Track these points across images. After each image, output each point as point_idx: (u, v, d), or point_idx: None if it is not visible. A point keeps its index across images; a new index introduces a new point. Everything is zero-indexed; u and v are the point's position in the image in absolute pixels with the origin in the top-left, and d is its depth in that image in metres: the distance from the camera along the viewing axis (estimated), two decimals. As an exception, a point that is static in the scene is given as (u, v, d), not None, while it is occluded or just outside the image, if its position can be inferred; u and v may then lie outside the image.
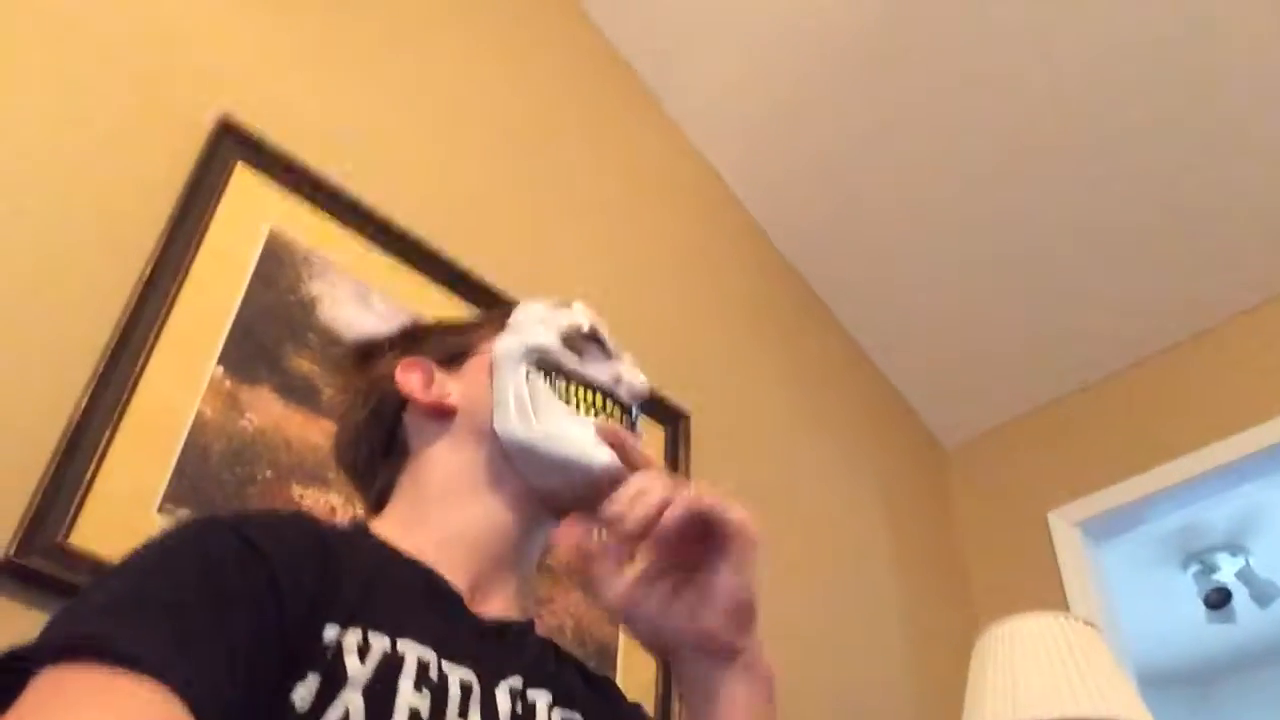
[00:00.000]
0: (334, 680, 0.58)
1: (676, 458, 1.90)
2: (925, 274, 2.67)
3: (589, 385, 0.84)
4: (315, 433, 1.33)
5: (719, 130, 2.52)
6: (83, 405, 1.14)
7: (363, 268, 1.52)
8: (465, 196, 1.81)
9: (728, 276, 2.46)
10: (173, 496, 1.16)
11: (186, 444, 1.20)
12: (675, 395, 1.96)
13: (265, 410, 1.29)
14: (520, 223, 1.91)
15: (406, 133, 1.77)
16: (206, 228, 1.35)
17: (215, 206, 1.37)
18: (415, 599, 0.70)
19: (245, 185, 1.42)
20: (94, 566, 1.05)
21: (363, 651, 0.61)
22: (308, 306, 1.42)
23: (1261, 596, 3.70)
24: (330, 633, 0.60)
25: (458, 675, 0.65)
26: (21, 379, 1.13)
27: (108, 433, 1.14)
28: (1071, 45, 2.20)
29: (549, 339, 0.84)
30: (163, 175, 1.35)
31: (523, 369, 0.82)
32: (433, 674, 0.64)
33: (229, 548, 0.59)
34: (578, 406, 0.82)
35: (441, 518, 0.79)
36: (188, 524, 0.63)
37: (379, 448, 0.87)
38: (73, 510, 1.09)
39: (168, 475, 1.17)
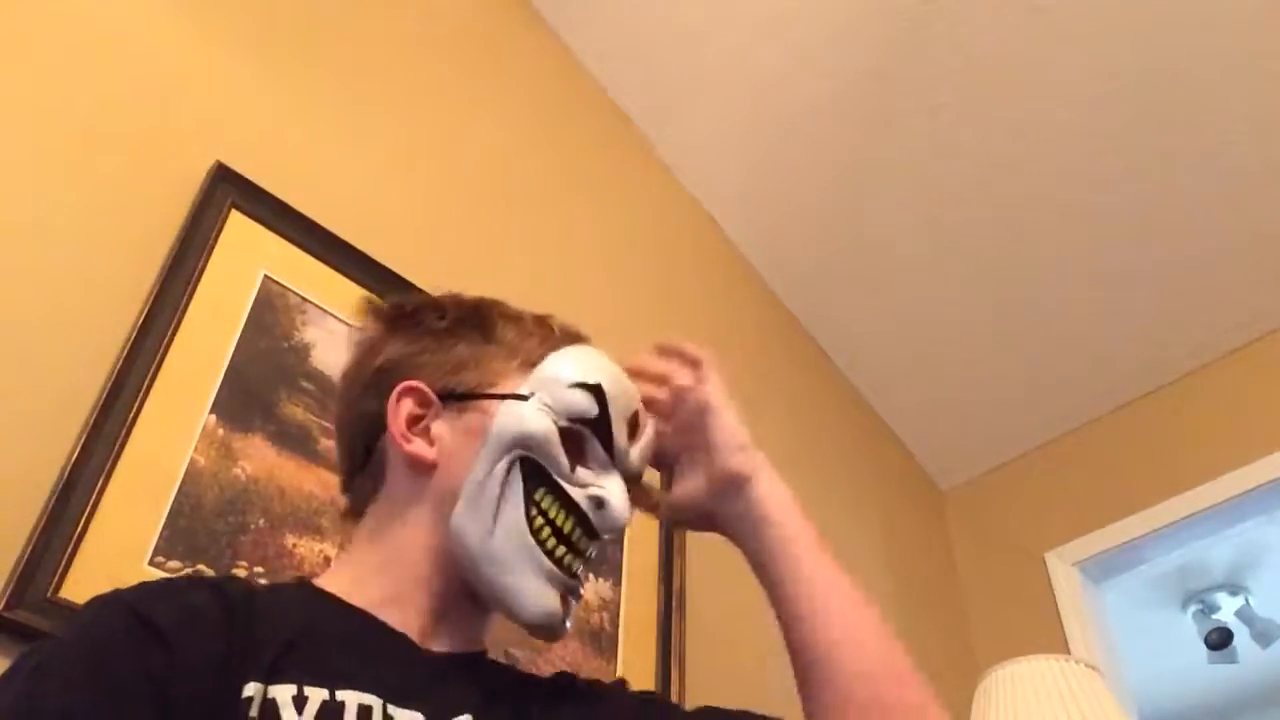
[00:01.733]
0: None
1: (672, 502, 1.88)
2: (921, 316, 2.68)
3: (567, 504, 0.78)
4: (309, 481, 1.31)
5: (714, 175, 2.54)
6: (74, 456, 1.13)
7: (353, 308, 1.52)
8: (459, 242, 1.82)
9: (723, 320, 2.46)
10: (164, 549, 1.15)
11: (179, 494, 1.19)
12: (671, 439, 1.95)
13: (258, 458, 1.28)
14: (514, 268, 1.91)
15: (400, 178, 1.78)
16: (201, 274, 1.35)
17: (209, 252, 1.37)
18: (357, 648, 0.70)
19: (240, 231, 1.42)
20: None
21: (299, 703, 0.61)
22: (301, 353, 1.42)
23: (1262, 636, 3.68)
24: (250, 690, 0.60)
25: (405, 718, 0.65)
26: (13, 429, 1.12)
27: (100, 483, 1.13)
28: (1061, 94, 2.22)
29: (547, 435, 0.77)
30: (157, 221, 1.35)
31: (506, 461, 0.77)
32: (376, 719, 0.64)
33: (119, 630, 0.60)
34: (543, 530, 0.76)
35: (389, 579, 0.77)
36: (85, 608, 0.64)
37: (359, 455, 0.83)
38: (63, 564, 1.07)
39: (159, 526, 1.16)
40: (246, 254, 1.42)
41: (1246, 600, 3.71)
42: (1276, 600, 3.72)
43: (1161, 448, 2.60)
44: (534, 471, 0.77)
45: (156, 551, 1.15)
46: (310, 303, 1.47)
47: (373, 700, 0.64)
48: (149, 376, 1.23)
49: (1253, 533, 2.94)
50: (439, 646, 0.76)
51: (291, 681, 0.62)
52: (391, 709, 0.65)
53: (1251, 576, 3.68)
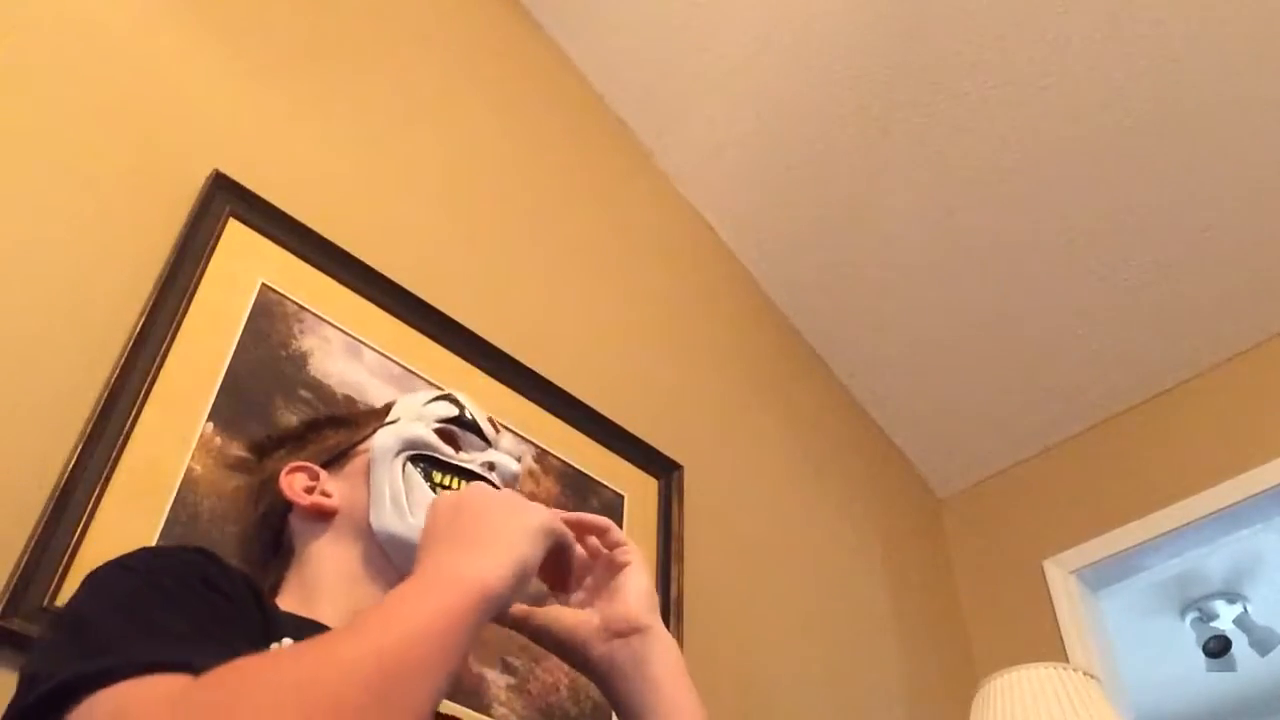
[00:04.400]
0: None
1: (670, 510, 1.88)
2: (920, 325, 2.68)
3: (462, 474, 0.90)
4: None
5: (713, 185, 2.54)
6: (71, 464, 1.13)
7: (354, 321, 1.52)
8: (457, 250, 1.82)
9: (721, 328, 2.46)
10: None
11: (176, 502, 1.19)
12: (668, 448, 1.95)
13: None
14: (512, 277, 1.91)
15: (399, 187, 1.78)
16: (198, 282, 1.35)
17: (207, 261, 1.37)
18: None
19: (237, 239, 1.43)
20: None
21: None
22: (299, 361, 1.42)
23: (1261, 644, 3.67)
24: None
25: None
26: (10, 436, 1.12)
27: (96, 492, 1.13)
28: (1061, 103, 2.23)
29: (423, 431, 0.90)
30: (155, 229, 1.36)
31: (398, 463, 0.88)
32: None
33: (206, 567, 0.69)
34: None
35: (330, 606, 0.83)
36: (148, 553, 0.71)
37: (269, 546, 0.92)
38: (59, 572, 1.07)
39: (156, 535, 1.16)
40: (244, 262, 1.42)
41: (1244, 608, 3.71)
42: (1274, 608, 3.72)
43: (1159, 455, 2.60)
44: (423, 459, 0.89)
45: None
46: (308, 311, 1.47)
47: None
48: (146, 384, 1.23)
49: (1251, 540, 2.93)
50: None
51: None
52: None
53: (1249, 584, 3.68)
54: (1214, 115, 2.19)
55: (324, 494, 0.90)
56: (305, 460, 0.93)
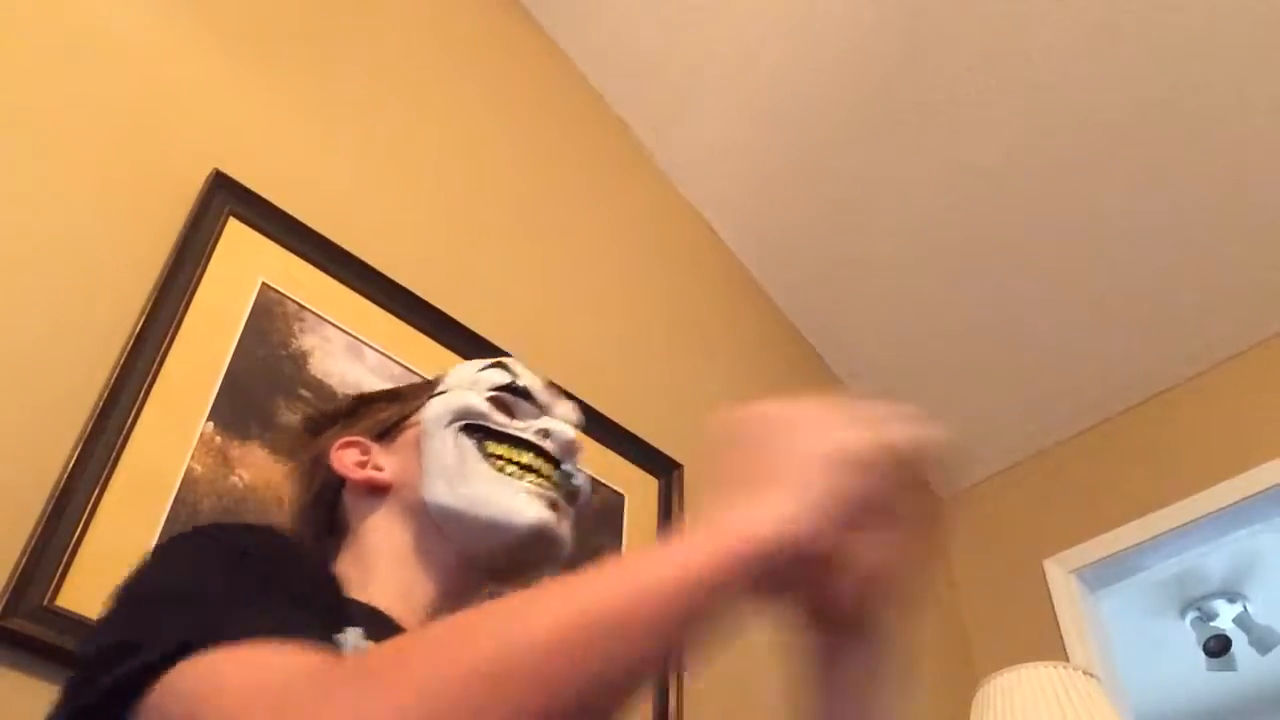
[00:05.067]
0: None
1: (670, 509, 1.88)
2: (920, 324, 2.68)
3: (516, 443, 0.86)
4: None
5: (713, 184, 2.54)
6: (71, 464, 1.13)
7: (355, 321, 1.52)
8: (457, 249, 1.82)
9: (722, 328, 2.46)
10: None
11: (176, 502, 1.19)
12: (668, 446, 1.95)
13: (256, 466, 1.28)
14: (514, 276, 1.91)
15: (399, 186, 1.78)
16: (199, 281, 1.35)
17: (208, 260, 1.37)
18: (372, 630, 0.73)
19: (238, 239, 1.43)
20: (80, 629, 1.03)
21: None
22: (299, 360, 1.41)
23: (1261, 643, 3.67)
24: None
25: None
26: (10, 437, 1.12)
27: (96, 491, 1.13)
28: (1059, 106, 2.23)
29: (476, 400, 0.87)
30: (155, 228, 1.36)
31: (450, 434, 0.85)
32: None
33: (279, 544, 0.66)
34: (506, 466, 0.84)
35: (381, 587, 0.80)
36: (218, 528, 0.66)
37: (323, 528, 0.90)
38: (59, 572, 1.07)
39: (156, 535, 1.16)
40: (245, 261, 1.42)
41: (1245, 607, 3.71)
42: (1274, 607, 3.72)
43: (1159, 455, 2.60)
44: (477, 430, 0.86)
45: None
46: (308, 310, 1.47)
47: None
48: (147, 384, 1.23)
49: (1250, 540, 2.94)
50: None
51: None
52: None
53: (1249, 584, 3.68)
54: (1214, 118, 2.19)
55: (376, 468, 0.87)
56: (357, 435, 0.90)
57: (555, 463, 0.87)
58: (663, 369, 2.16)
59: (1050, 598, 2.58)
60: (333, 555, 0.86)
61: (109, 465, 1.15)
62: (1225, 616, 3.73)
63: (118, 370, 1.21)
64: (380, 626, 0.72)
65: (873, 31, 2.21)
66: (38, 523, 1.08)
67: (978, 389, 2.77)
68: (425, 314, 1.63)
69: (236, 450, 1.27)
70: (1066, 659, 2.39)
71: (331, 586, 0.71)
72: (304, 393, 1.39)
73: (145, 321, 1.27)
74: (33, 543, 1.07)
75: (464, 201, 1.91)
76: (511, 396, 0.90)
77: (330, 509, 0.90)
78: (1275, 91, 2.13)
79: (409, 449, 0.87)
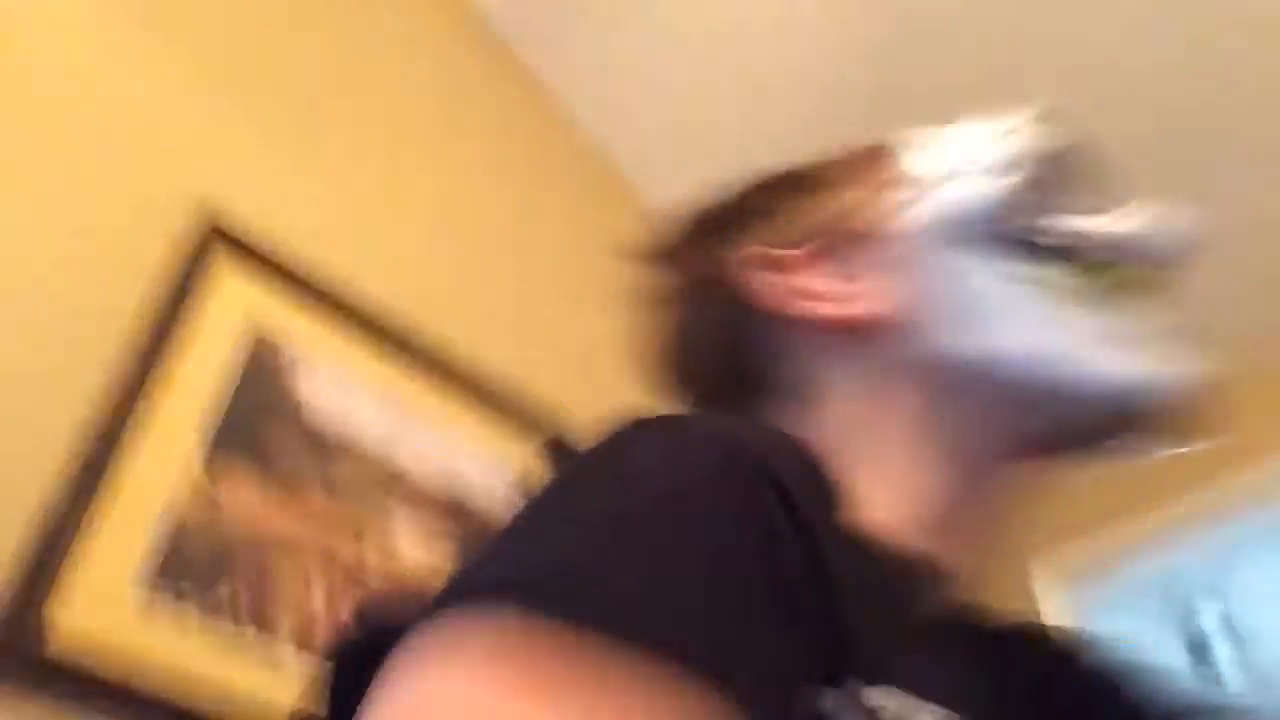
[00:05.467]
0: None
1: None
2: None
3: (1101, 255, 0.53)
4: (300, 531, 1.31)
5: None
6: (56, 505, 1.12)
7: (345, 361, 1.51)
8: (449, 288, 1.81)
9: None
10: (146, 600, 1.14)
11: (161, 544, 1.19)
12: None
13: (244, 507, 1.28)
14: (505, 313, 1.91)
15: (391, 229, 1.77)
16: (190, 322, 1.34)
17: (199, 301, 1.37)
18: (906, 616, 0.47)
19: (229, 280, 1.42)
20: (63, 671, 1.03)
21: None
22: (289, 401, 1.40)
23: (1242, 643, 3.70)
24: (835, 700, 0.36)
25: None
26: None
27: (81, 532, 1.13)
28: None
29: (1004, 189, 0.53)
30: (147, 270, 1.35)
31: (975, 249, 0.53)
32: None
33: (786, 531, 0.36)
34: (1093, 295, 0.52)
35: (886, 495, 0.50)
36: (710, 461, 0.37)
37: (735, 391, 0.59)
38: (41, 614, 1.07)
39: (139, 578, 1.16)
40: (235, 303, 1.41)
41: (1227, 607, 3.73)
42: (1256, 607, 3.74)
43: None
44: (1020, 243, 0.52)
45: (139, 604, 1.13)
46: (298, 351, 1.46)
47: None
48: (135, 430, 1.22)
49: (1234, 541, 2.96)
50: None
51: (884, 683, 0.38)
52: None
53: (1232, 584, 3.70)
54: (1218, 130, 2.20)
55: (849, 299, 0.55)
56: (781, 245, 0.58)
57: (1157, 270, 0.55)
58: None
59: (1036, 596, 2.60)
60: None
61: (94, 506, 1.15)
62: (1209, 616, 3.75)
63: (108, 412, 1.21)
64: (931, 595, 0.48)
65: (862, 75, 2.20)
66: (21, 563, 1.08)
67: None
68: (418, 355, 1.62)
69: (225, 492, 1.26)
70: (1051, 659, 2.40)
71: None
72: (292, 434, 1.38)
73: (136, 362, 1.26)
74: (16, 585, 1.06)
75: (458, 243, 1.90)
76: (1057, 176, 0.55)
77: (741, 368, 0.59)
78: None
79: (886, 269, 0.55)
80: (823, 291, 0.56)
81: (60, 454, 1.16)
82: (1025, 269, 0.52)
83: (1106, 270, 0.52)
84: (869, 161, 0.60)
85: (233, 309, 1.41)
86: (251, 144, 1.60)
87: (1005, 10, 2.11)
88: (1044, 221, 0.53)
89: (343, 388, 1.49)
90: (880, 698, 0.36)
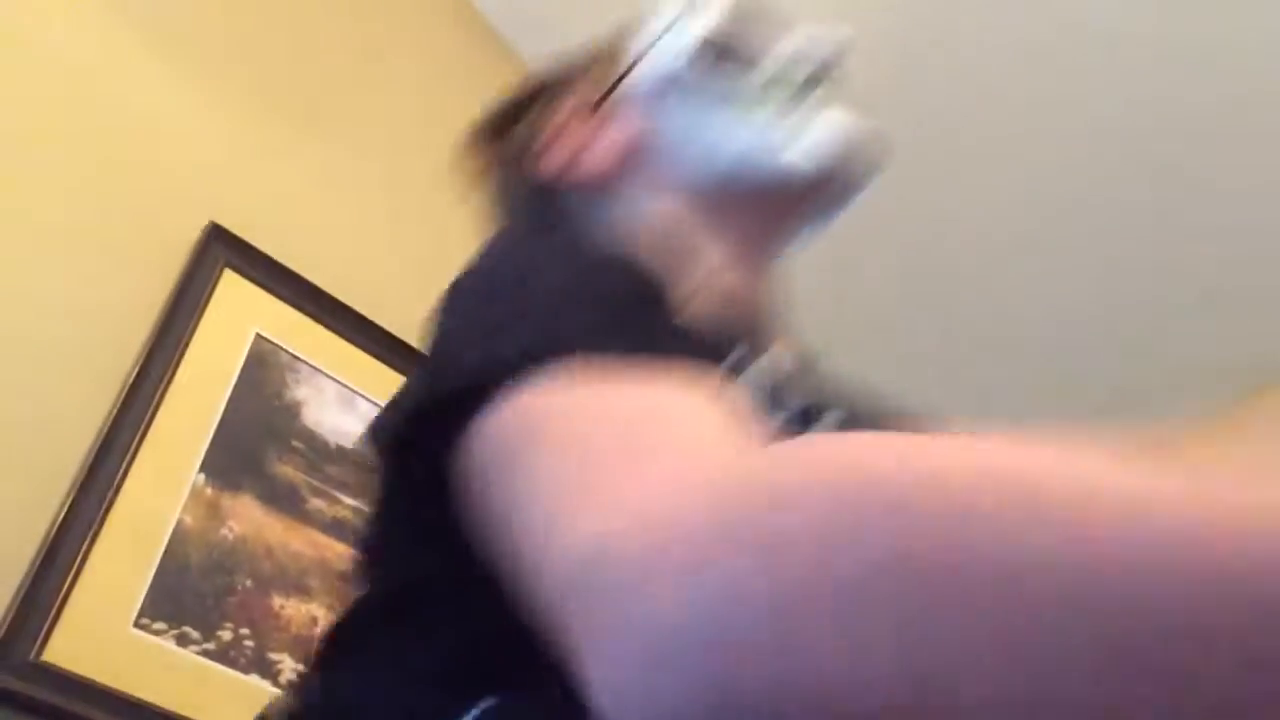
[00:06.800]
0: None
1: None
2: (912, 344, 2.68)
3: (777, 72, 0.68)
4: (297, 540, 1.31)
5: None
6: (61, 516, 1.12)
7: (349, 371, 1.52)
8: (452, 298, 1.82)
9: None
10: (150, 610, 1.15)
11: (165, 554, 1.19)
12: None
13: (247, 518, 1.28)
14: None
15: (394, 237, 1.78)
16: (193, 332, 1.35)
17: (202, 311, 1.37)
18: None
19: (233, 290, 1.43)
20: (67, 685, 1.03)
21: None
22: (292, 411, 1.42)
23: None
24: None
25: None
26: (1, 486, 1.12)
27: (86, 545, 1.12)
28: (1059, 127, 2.25)
29: (695, 41, 0.68)
30: (150, 279, 1.36)
31: (685, 89, 0.68)
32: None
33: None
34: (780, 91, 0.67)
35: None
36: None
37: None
38: (47, 626, 1.07)
39: (145, 588, 1.15)
40: (239, 312, 1.43)
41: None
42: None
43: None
44: (731, 63, 0.68)
45: (142, 613, 1.14)
46: (302, 361, 1.47)
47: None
48: (138, 435, 1.23)
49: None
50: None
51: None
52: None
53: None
54: (1205, 178, 2.21)
55: (609, 144, 0.69)
56: (558, 120, 0.73)
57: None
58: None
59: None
60: None
61: (100, 517, 1.15)
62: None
63: (110, 421, 1.21)
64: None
65: (864, 63, 2.23)
66: (25, 577, 1.08)
67: (978, 407, 2.77)
68: (419, 364, 1.63)
69: (228, 502, 1.27)
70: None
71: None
72: (296, 444, 1.39)
73: (139, 372, 1.27)
74: (20, 597, 1.06)
75: (459, 253, 1.91)
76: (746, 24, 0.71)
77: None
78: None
79: (627, 119, 0.70)
80: (587, 143, 0.70)
81: (64, 465, 1.16)
82: (722, 95, 0.67)
83: (782, 81, 0.67)
84: (613, 47, 0.74)
85: (235, 315, 1.42)
86: (254, 151, 1.61)
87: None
88: (730, 59, 0.68)
89: (342, 394, 1.49)
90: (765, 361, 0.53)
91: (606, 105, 0.71)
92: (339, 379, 1.50)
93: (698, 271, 0.61)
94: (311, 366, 1.48)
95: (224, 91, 1.62)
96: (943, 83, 2.21)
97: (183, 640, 1.17)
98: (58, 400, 1.20)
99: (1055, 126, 2.25)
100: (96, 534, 1.14)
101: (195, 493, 1.25)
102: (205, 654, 1.18)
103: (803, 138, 0.64)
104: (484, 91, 2.26)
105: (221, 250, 1.44)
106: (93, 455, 1.18)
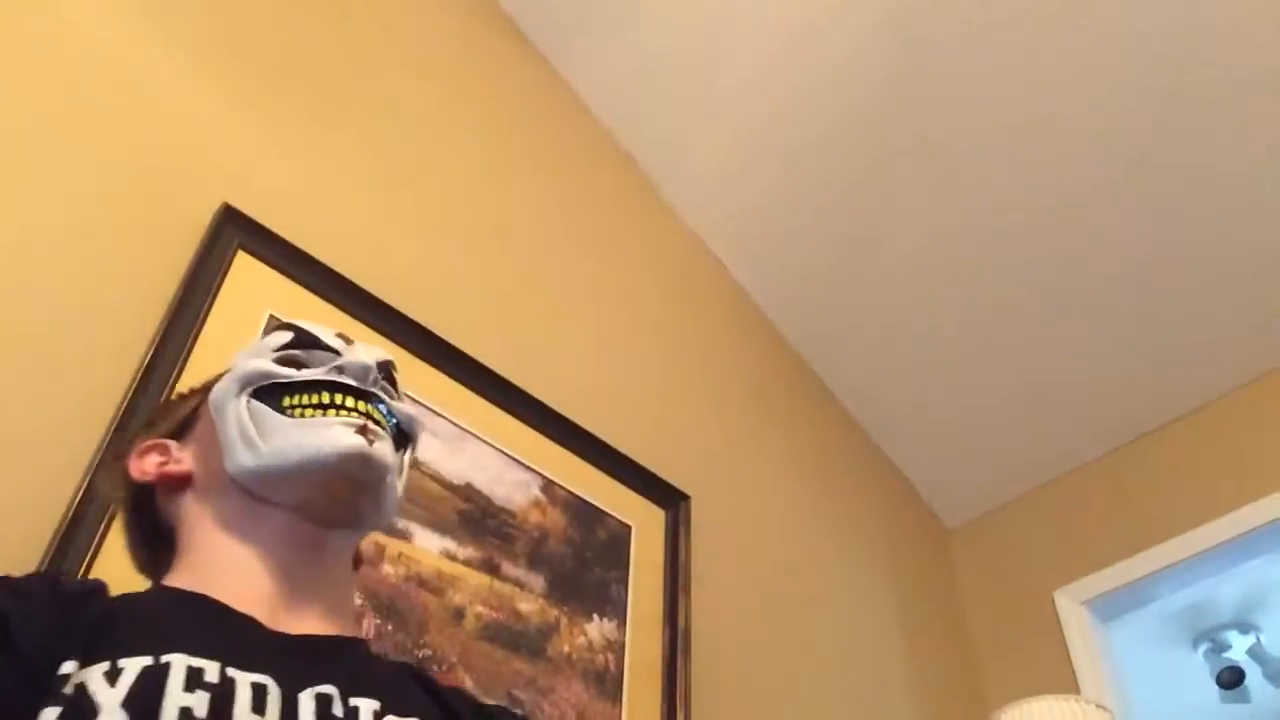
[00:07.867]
0: (79, 711, 0.58)
1: (677, 540, 1.88)
2: (926, 357, 2.68)
3: (311, 388, 0.81)
4: None
5: (720, 217, 2.55)
6: (79, 495, 1.13)
7: (362, 353, 1.52)
8: (465, 282, 1.83)
9: (729, 358, 2.46)
10: None
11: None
12: (675, 478, 1.95)
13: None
14: (520, 309, 1.92)
15: (408, 220, 1.79)
16: (207, 314, 1.35)
17: (216, 293, 1.38)
18: (195, 624, 0.69)
19: (246, 272, 1.43)
20: None
21: (112, 676, 0.60)
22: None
23: (1275, 675, 3.64)
24: (66, 668, 0.61)
25: (249, 679, 0.64)
26: (18, 467, 1.12)
27: (102, 527, 1.12)
28: (1060, 135, 2.24)
29: (259, 364, 0.82)
30: (164, 262, 1.36)
31: (241, 404, 0.80)
32: (211, 677, 0.62)
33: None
34: (305, 412, 0.79)
35: (219, 575, 0.76)
36: None
37: (150, 541, 0.86)
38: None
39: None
40: (253, 294, 1.43)
41: (1258, 638, 3.67)
42: (1288, 639, 3.68)
43: (1169, 484, 2.58)
44: (269, 391, 0.81)
45: None
46: (315, 342, 1.46)
47: (207, 663, 0.63)
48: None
49: (1262, 570, 2.92)
50: (296, 631, 0.75)
51: (104, 659, 0.61)
52: (233, 670, 0.64)
53: (1263, 614, 3.64)
54: (1224, 155, 2.20)
55: (176, 462, 0.84)
56: (155, 440, 0.87)
57: (360, 394, 0.82)
58: (670, 400, 2.16)
59: (1061, 629, 2.57)
60: (166, 566, 0.82)
61: (111, 505, 1.15)
62: (1239, 648, 3.69)
63: (125, 402, 1.21)
64: (210, 616, 0.71)
65: (873, 58, 2.22)
66: (45, 554, 1.08)
67: (986, 419, 2.77)
68: (433, 347, 1.63)
69: None
70: (1078, 691, 2.36)
71: (82, 618, 0.66)
72: None
73: (154, 353, 1.27)
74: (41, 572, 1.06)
75: (472, 235, 1.91)
76: (302, 351, 0.85)
77: (152, 524, 0.86)
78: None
79: (205, 435, 0.83)
80: (165, 462, 0.85)
81: (79, 446, 1.16)
82: (261, 406, 0.80)
83: (304, 395, 0.80)
84: (219, 375, 0.88)
85: (249, 296, 1.41)
86: (268, 132, 1.61)
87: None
88: (282, 374, 0.82)
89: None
90: (91, 670, 0.61)
91: (190, 427, 0.87)
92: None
93: (221, 566, 0.77)
94: (325, 348, 1.47)
95: (237, 73, 1.62)
96: (959, 69, 2.20)
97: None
98: (73, 382, 1.21)
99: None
100: (113, 517, 1.14)
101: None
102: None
103: (313, 442, 0.77)
104: (496, 75, 2.29)
105: (235, 231, 1.44)
106: (108, 437, 1.18)
